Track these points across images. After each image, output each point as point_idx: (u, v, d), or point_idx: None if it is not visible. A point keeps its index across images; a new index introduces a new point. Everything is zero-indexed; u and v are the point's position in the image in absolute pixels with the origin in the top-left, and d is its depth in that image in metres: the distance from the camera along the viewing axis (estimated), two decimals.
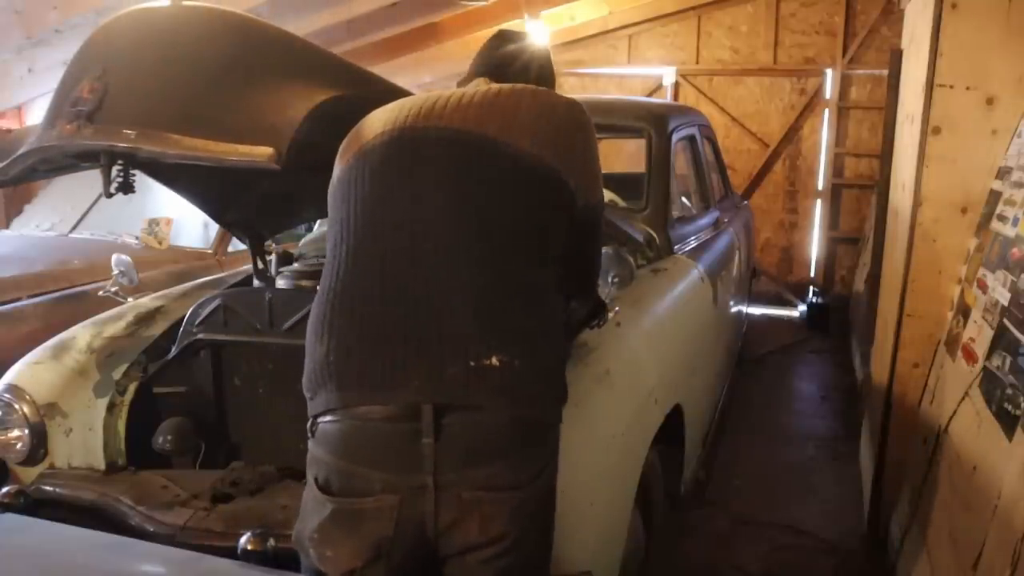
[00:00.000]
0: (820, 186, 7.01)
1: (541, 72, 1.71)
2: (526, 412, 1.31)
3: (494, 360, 1.27)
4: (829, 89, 6.97)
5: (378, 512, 1.27)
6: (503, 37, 1.76)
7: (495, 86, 1.52)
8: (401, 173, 1.39)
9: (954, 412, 2.16)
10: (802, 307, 6.70)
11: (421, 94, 1.53)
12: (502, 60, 1.69)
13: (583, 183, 1.45)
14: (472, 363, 1.26)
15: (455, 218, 1.35)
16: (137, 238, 4.14)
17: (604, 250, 1.95)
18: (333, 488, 1.30)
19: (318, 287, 1.42)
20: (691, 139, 3.57)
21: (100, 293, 2.65)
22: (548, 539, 1.42)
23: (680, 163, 3.44)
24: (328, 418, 1.31)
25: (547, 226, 1.41)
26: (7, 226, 4.74)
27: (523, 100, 1.46)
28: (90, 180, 1.88)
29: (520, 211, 1.38)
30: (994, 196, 2.40)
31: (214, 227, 4.19)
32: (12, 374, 2.21)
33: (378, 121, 1.46)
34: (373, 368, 1.29)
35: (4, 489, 1.97)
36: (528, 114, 1.43)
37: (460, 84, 1.66)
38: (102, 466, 2.12)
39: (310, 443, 1.35)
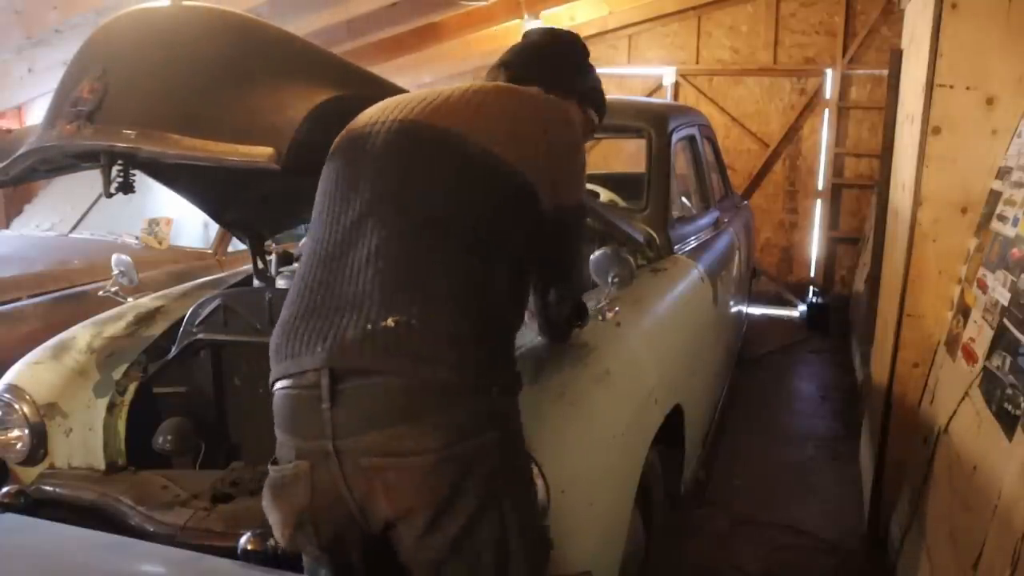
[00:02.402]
0: (820, 186, 7.01)
1: (555, 68, 1.71)
2: (429, 374, 1.24)
3: (389, 321, 1.25)
4: (829, 89, 6.97)
5: (295, 479, 1.31)
6: (537, 32, 1.79)
7: (479, 83, 1.55)
8: (356, 162, 1.44)
9: (954, 412, 2.16)
10: (802, 307, 6.70)
11: (426, 90, 1.53)
12: (517, 53, 1.72)
13: (552, 186, 1.44)
14: (369, 326, 1.25)
15: (390, 203, 1.37)
16: (137, 238, 4.14)
17: (604, 250, 1.96)
18: (276, 458, 1.38)
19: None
20: (691, 139, 3.57)
21: (100, 293, 2.64)
22: (507, 515, 1.30)
23: (680, 163, 3.44)
24: (274, 374, 1.38)
25: (495, 223, 1.39)
26: (7, 226, 4.74)
27: (497, 98, 1.49)
28: (90, 180, 1.88)
29: (462, 204, 1.38)
30: (994, 196, 2.40)
31: (214, 227, 4.19)
32: (12, 374, 2.21)
33: (364, 115, 1.51)
34: (292, 342, 1.33)
35: (4, 489, 1.97)
36: (495, 112, 1.46)
37: (487, 77, 1.72)
38: (102, 466, 2.11)
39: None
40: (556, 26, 2.03)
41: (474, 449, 1.26)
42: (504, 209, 1.40)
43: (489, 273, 1.36)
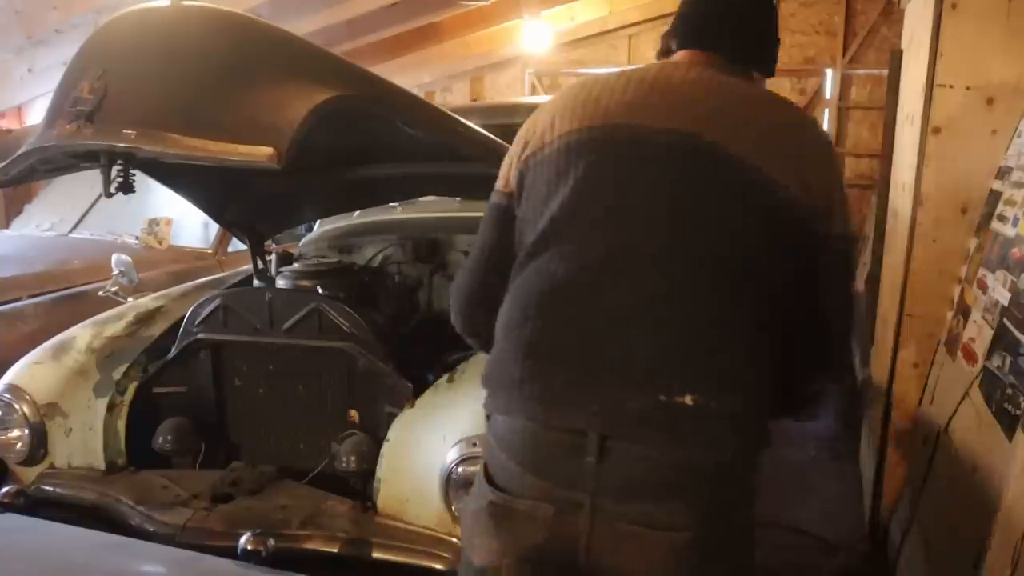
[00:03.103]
0: None
1: (766, 42, 1.42)
2: (713, 456, 1.17)
3: (687, 399, 1.14)
4: (829, 89, 6.97)
5: (531, 518, 1.20)
6: None
7: (724, 81, 1.29)
8: (610, 174, 1.23)
9: (954, 412, 2.16)
10: None
11: (623, 72, 1.31)
12: (721, 26, 1.37)
13: (827, 210, 1.24)
14: (662, 397, 1.15)
15: (665, 238, 1.20)
16: (137, 238, 4.14)
17: None
18: (496, 480, 1.25)
19: (513, 277, 1.30)
20: None
21: (100, 293, 2.65)
22: None
23: None
24: (501, 417, 1.26)
25: (768, 255, 1.21)
26: (7, 226, 4.74)
27: (768, 108, 1.28)
28: (90, 180, 1.88)
29: (753, 247, 1.20)
30: (994, 196, 2.40)
31: (214, 227, 4.18)
32: (12, 374, 2.21)
33: (583, 104, 1.29)
34: (543, 385, 1.20)
35: (4, 489, 1.97)
36: (773, 128, 1.25)
37: (659, 56, 1.42)
38: (102, 466, 2.11)
39: (486, 429, 1.30)
40: None
41: (725, 523, 1.21)
42: (788, 252, 1.22)
43: (775, 332, 1.23)
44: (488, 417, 1.30)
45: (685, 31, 1.37)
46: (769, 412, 1.24)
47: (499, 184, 1.38)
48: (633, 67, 1.35)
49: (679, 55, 1.36)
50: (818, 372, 1.37)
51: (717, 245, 1.19)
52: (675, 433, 1.15)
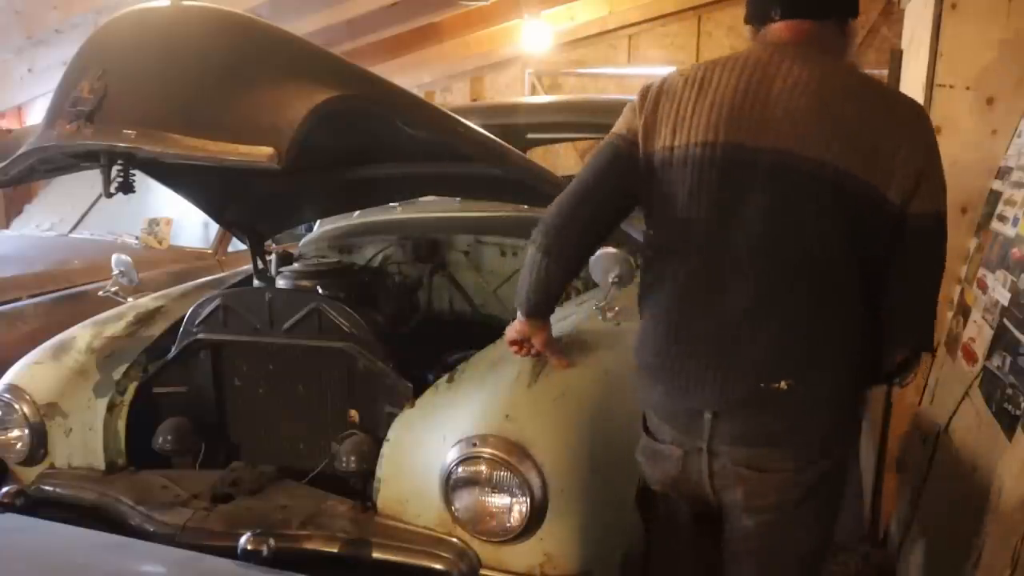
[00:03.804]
0: None
1: None
2: (802, 423, 1.46)
3: (782, 384, 1.41)
4: None
5: (668, 457, 1.56)
6: None
7: (816, 74, 1.39)
8: (732, 187, 1.42)
9: (954, 412, 2.17)
10: None
11: (732, 71, 1.43)
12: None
13: (913, 190, 1.40)
14: (762, 385, 1.42)
15: (771, 244, 1.40)
16: (137, 238, 4.14)
17: (604, 250, 1.89)
18: (648, 427, 1.63)
19: (646, 269, 1.59)
20: None
21: (100, 293, 2.65)
22: (820, 523, 1.57)
23: None
24: (648, 381, 1.58)
25: (857, 251, 1.41)
26: (7, 226, 4.74)
27: (857, 103, 1.39)
28: (90, 180, 1.88)
29: (830, 237, 1.39)
30: (994, 196, 2.40)
31: (214, 227, 4.19)
32: (12, 374, 2.21)
33: (686, 116, 1.45)
34: (673, 370, 1.50)
35: (4, 489, 1.97)
36: (858, 121, 1.38)
37: (752, 20, 1.54)
38: (102, 466, 2.11)
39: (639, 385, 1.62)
40: None
41: (820, 473, 1.49)
42: (877, 238, 1.41)
43: (863, 312, 1.45)
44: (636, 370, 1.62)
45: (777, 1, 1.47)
46: (857, 385, 1.51)
47: (622, 129, 1.59)
48: (737, 59, 1.47)
49: (778, 29, 1.47)
50: (910, 341, 1.53)
51: (812, 248, 1.40)
52: (770, 410, 1.43)
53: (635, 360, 1.61)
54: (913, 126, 1.43)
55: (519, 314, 1.75)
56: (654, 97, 1.53)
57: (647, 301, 1.57)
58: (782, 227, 1.39)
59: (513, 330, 1.79)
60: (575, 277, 1.72)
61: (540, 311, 1.73)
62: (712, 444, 1.48)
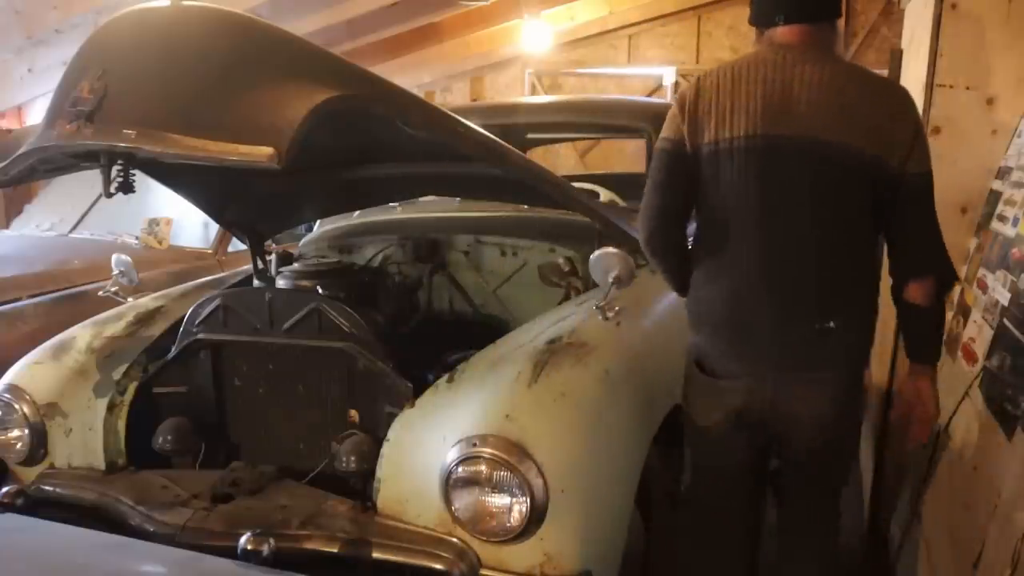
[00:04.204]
0: None
1: None
2: (841, 354, 1.82)
3: (830, 323, 1.77)
4: None
5: (735, 390, 1.85)
6: None
7: (825, 72, 1.73)
8: (772, 170, 1.75)
9: (954, 412, 2.17)
10: None
11: (755, 71, 1.75)
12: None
13: (907, 156, 1.73)
14: (816, 326, 1.77)
15: (811, 213, 1.76)
16: (137, 238, 4.14)
17: (604, 250, 1.96)
18: (706, 371, 1.89)
19: (703, 242, 1.91)
20: None
21: (100, 293, 2.65)
22: (853, 434, 2.00)
23: None
24: (709, 336, 1.88)
25: (871, 208, 1.77)
26: (7, 226, 4.74)
27: (857, 91, 1.73)
28: (90, 180, 1.88)
29: (852, 202, 1.76)
30: (994, 196, 2.40)
31: (214, 227, 4.19)
32: (12, 374, 2.21)
33: (724, 112, 1.76)
34: (742, 318, 1.83)
35: (4, 489, 1.97)
36: (861, 106, 1.72)
37: (758, 22, 1.86)
38: (102, 466, 2.12)
39: (691, 331, 1.94)
40: None
41: (853, 384, 1.88)
42: (881, 192, 1.76)
43: (876, 266, 1.88)
44: (693, 320, 1.93)
45: (775, 3, 1.81)
46: (873, 317, 1.89)
47: (669, 134, 1.88)
48: (757, 61, 1.78)
49: (783, 33, 1.79)
50: (933, 270, 1.83)
51: (838, 211, 1.76)
52: (822, 344, 1.79)
53: (695, 314, 1.92)
54: (901, 106, 1.77)
55: None
56: (692, 102, 1.82)
57: (707, 268, 1.88)
58: (817, 196, 1.74)
59: None
60: (688, 264, 1.95)
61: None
62: (776, 375, 1.81)
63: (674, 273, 1.97)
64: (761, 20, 1.84)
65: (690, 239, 1.97)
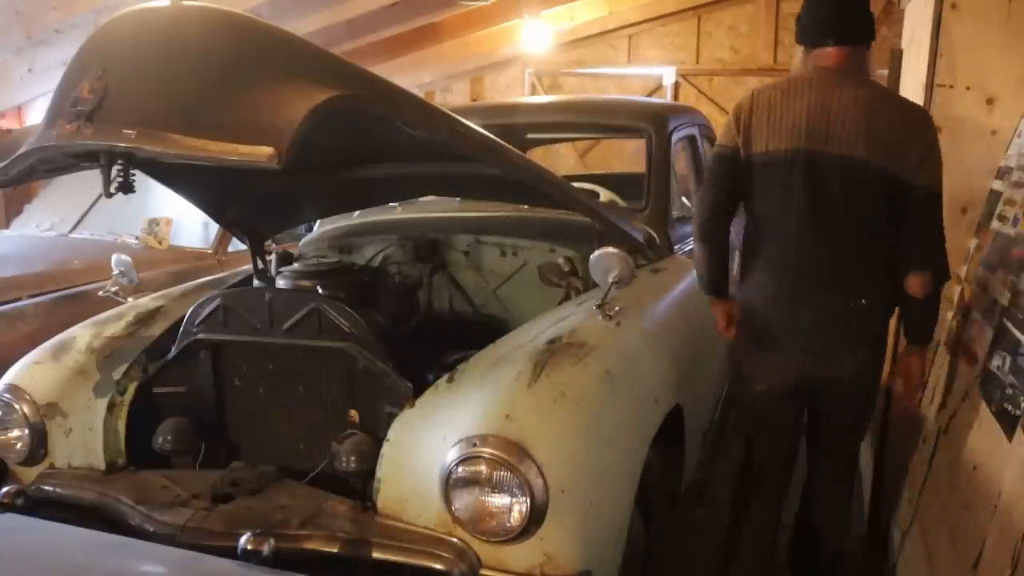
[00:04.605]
0: None
1: (871, 20, 2.19)
2: (866, 325, 2.20)
3: (862, 301, 2.16)
4: None
5: (789, 361, 2.23)
6: None
7: (859, 96, 2.06)
8: (812, 186, 2.09)
9: (954, 412, 2.17)
10: None
11: (797, 91, 2.10)
12: (849, 24, 2.15)
13: (918, 171, 2.06)
14: (851, 304, 2.16)
15: (844, 214, 2.10)
16: (137, 238, 4.14)
17: (604, 250, 1.98)
18: (760, 346, 2.27)
19: (753, 238, 2.25)
20: (691, 139, 3.57)
21: (100, 293, 2.65)
22: (875, 386, 2.35)
23: (680, 163, 3.44)
24: (761, 313, 2.25)
25: (888, 211, 2.10)
26: (7, 226, 4.74)
27: (884, 116, 2.06)
28: (90, 180, 1.88)
29: (874, 206, 2.10)
30: (994, 196, 2.40)
31: (214, 227, 4.19)
32: (12, 374, 2.21)
33: (774, 126, 2.11)
34: (788, 297, 2.20)
35: (4, 489, 1.97)
36: (885, 130, 2.05)
37: (804, 40, 2.21)
38: (102, 466, 2.12)
39: (744, 315, 2.30)
40: None
41: (878, 350, 2.29)
42: (892, 201, 2.09)
43: (890, 258, 2.16)
44: (749, 312, 2.29)
45: (825, 28, 2.14)
46: (891, 298, 2.23)
47: (727, 143, 2.19)
48: (802, 82, 2.13)
49: (830, 54, 2.12)
50: (929, 266, 2.13)
51: (864, 213, 2.11)
52: (855, 317, 2.17)
53: (751, 298, 2.28)
54: (919, 128, 2.09)
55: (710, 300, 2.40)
56: (747, 116, 2.15)
57: (762, 259, 2.23)
58: (848, 201, 2.08)
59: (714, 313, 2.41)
60: (727, 252, 2.31)
61: (718, 289, 2.35)
62: (822, 343, 2.19)
63: (711, 263, 2.29)
64: (810, 41, 2.17)
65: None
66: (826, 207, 2.09)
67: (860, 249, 2.13)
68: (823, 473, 2.49)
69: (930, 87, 2.51)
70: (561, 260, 2.55)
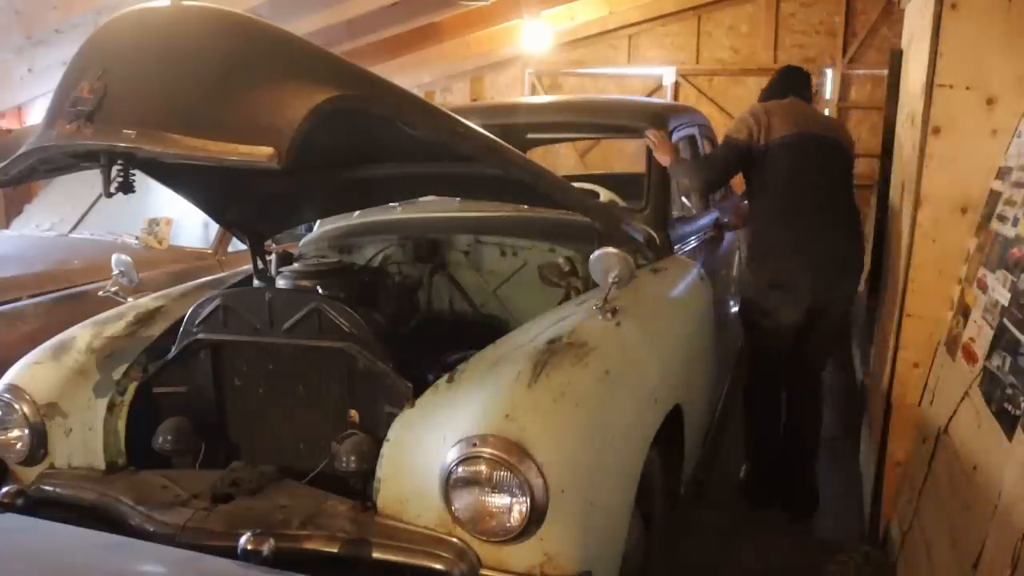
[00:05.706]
0: None
1: (807, 89, 3.31)
2: (852, 272, 3.13)
3: (856, 252, 3.10)
4: (829, 89, 6.97)
5: (794, 303, 3.01)
6: (793, 71, 3.35)
7: (814, 111, 3.29)
8: (809, 156, 3.02)
9: (954, 412, 2.17)
10: None
11: (797, 110, 3.11)
12: (800, 84, 3.26)
13: (852, 146, 3.19)
14: (845, 255, 3.05)
15: (829, 181, 3.04)
16: (137, 238, 4.14)
17: (604, 250, 2.00)
18: (770, 293, 3.06)
19: (761, 206, 3.11)
20: (691, 139, 3.57)
21: (100, 293, 2.65)
22: (852, 302, 3.32)
23: None
24: (770, 266, 3.05)
25: (845, 168, 3.13)
26: (7, 226, 4.74)
27: (829, 121, 3.46)
28: (90, 180, 1.88)
29: (845, 169, 3.13)
30: (994, 196, 2.40)
31: (214, 227, 4.19)
32: (12, 374, 2.21)
33: (785, 122, 3.02)
34: (800, 248, 2.99)
35: (4, 489, 1.96)
36: (834, 126, 3.26)
37: (770, 95, 3.23)
38: (102, 466, 2.12)
39: (758, 263, 3.13)
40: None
41: (856, 286, 3.21)
42: (851, 165, 3.17)
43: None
44: (762, 259, 3.10)
45: (786, 89, 3.21)
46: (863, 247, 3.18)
47: (742, 136, 3.03)
48: (791, 102, 3.13)
49: (789, 100, 3.15)
50: None
51: (841, 175, 3.11)
52: (843, 265, 3.05)
53: (767, 246, 3.06)
54: (842, 124, 3.76)
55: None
56: (765, 116, 3.02)
57: (775, 214, 3.04)
58: (829, 168, 3.05)
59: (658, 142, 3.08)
60: (712, 191, 3.46)
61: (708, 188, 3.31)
62: (825, 280, 2.98)
63: (704, 173, 3.08)
64: (776, 96, 3.18)
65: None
66: (818, 171, 3.01)
67: (843, 202, 3.07)
68: (805, 369, 3.24)
69: (930, 87, 2.51)
70: (561, 260, 2.55)
